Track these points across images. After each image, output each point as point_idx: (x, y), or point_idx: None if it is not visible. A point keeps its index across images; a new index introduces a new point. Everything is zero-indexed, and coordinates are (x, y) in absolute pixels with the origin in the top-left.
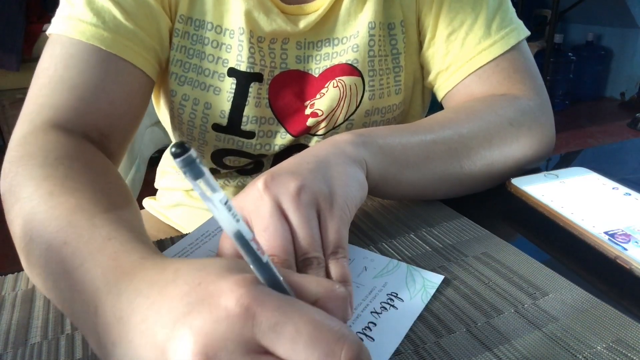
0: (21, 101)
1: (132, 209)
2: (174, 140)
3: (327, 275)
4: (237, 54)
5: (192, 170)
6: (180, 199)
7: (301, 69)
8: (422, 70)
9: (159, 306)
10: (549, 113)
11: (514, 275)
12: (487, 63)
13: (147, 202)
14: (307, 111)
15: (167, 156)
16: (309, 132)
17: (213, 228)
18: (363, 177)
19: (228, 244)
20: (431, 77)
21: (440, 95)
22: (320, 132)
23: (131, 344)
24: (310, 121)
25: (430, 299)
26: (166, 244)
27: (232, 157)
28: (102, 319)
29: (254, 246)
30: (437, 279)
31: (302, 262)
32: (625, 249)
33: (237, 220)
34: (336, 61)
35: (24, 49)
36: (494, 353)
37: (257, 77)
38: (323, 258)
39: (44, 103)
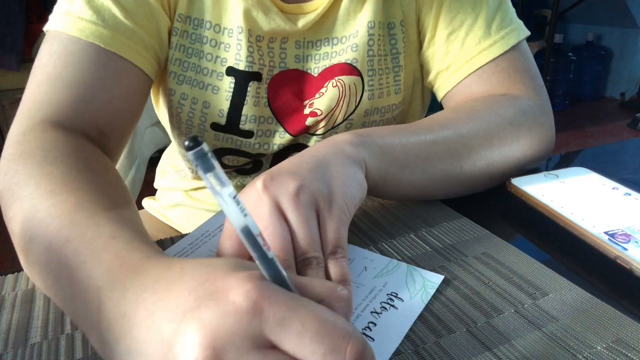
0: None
1: (132, 208)
2: (173, 140)
3: (327, 275)
4: (235, 53)
5: (203, 163)
6: (179, 199)
7: (300, 68)
8: (422, 70)
9: (166, 302)
10: (549, 113)
11: (514, 275)
12: (487, 63)
13: (146, 202)
14: (306, 111)
15: (167, 156)
16: (308, 131)
17: (213, 228)
18: (362, 177)
19: (228, 244)
20: (431, 77)
21: (440, 95)
22: (319, 132)
23: (136, 340)
24: (309, 121)
25: (430, 299)
26: (166, 244)
27: (230, 156)
28: (106, 316)
29: (261, 242)
30: (437, 279)
31: (301, 262)
32: (625, 249)
33: (245, 215)
34: (335, 61)
35: (24, 49)
36: (494, 353)
37: (256, 76)
38: (322, 258)
39: (42, 100)
